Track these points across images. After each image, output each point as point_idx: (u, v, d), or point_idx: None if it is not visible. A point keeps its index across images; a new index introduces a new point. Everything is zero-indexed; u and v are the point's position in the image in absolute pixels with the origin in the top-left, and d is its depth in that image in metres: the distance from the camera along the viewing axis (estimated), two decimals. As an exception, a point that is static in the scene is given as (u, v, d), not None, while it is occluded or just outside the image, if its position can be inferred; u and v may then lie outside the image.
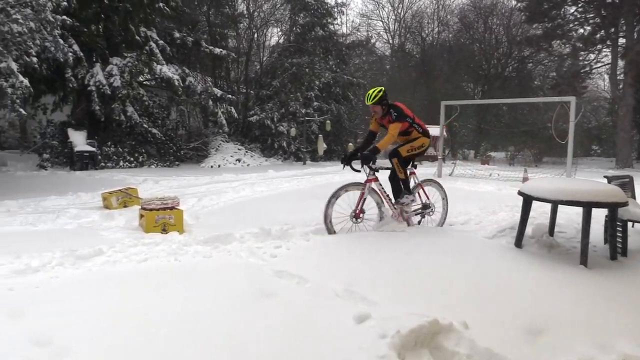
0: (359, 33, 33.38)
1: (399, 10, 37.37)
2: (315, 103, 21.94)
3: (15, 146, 17.23)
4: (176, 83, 16.01)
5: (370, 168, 5.45)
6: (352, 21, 35.01)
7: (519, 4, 27.95)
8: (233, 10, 24.02)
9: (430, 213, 6.03)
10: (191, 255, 4.73)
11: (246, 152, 18.71)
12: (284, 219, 6.09)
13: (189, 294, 3.46)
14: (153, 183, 9.96)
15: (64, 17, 10.36)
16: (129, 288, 3.54)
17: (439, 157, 14.95)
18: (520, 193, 4.94)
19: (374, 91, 5.57)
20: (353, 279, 3.89)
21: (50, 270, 4.16)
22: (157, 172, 13.29)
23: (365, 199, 5.43)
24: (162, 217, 5.63)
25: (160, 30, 17.96)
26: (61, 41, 10.71)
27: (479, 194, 9.60)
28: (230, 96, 18.77)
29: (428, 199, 5.99)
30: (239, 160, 17.73)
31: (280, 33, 26.78)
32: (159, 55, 16.53)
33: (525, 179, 11.73)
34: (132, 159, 15.27)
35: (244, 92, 22.94)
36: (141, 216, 5.86)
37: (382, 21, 38.40)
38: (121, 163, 14.93)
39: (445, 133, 16.69)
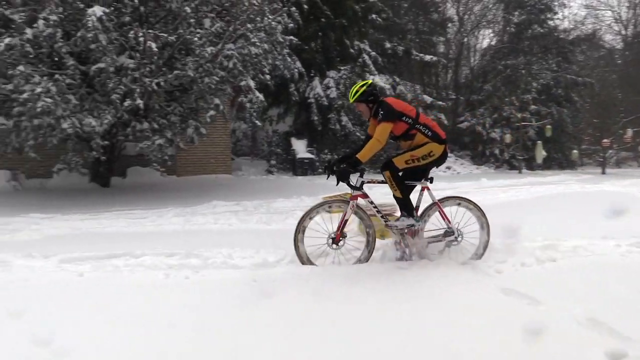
0: (583, 27, 29.89)
1: (635, -5, 32.33)
2: (533, 107, 20.26)
3: (247, 153, 19.64)
4: (387, 92, 16.44)
5: (351, 186, 4.35)
6: (575, 14, 31.45)
7: None
8: (442, 15, 23.74)
9: (454, 242, 4.58)
10: (409, 263, 4.70)
11: (456, 159, 18.27)
12: (505, 233, 5.66)
13: (411, 302, 3.41)
14: (369, 190, 10.28)
15: (291, 37, 11.42)
16: (345, 288, 3.64)
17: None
18: None
19: (355, 86, 4.44)
20: (598, 304, 3.37)
21: (284, 265, 4.56)
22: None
23: (347, 220, 4.40)
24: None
25: (372, 42, 18.67)
26: (289, 59, 11.84)
27: None
28: (440, 103, 18.57)
29: (450, 222, 4.54)
30: (448, 168, 17.38)
31: (492, 34, 25.54)
32: (371, 66, 17.20)
33: None
34: (348, 165, 16.13)
35: (453, 98, 22.42)
36: (360, 221, 6.05)
37: (611, 10, 33.66)
38: (339, 168, 15.87)
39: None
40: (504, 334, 2.97)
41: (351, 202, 4.37)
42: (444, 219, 4.52)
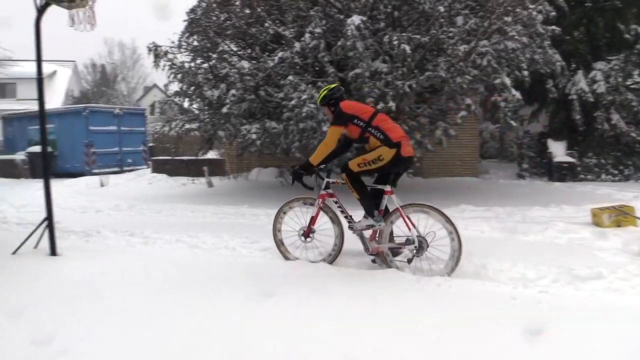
0: None
1: None
2: None
3: (494, 156, 18.61)
4: (673, 83, 13.53)
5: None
6: None
7: None
8: None
9: (419, 253, 4.28)
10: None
11: None
12: None
13: None
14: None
15: (552, 27, 10.25)
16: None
17: None
18: None
19: (321, 90, 4.77)
20: None
21: (546, 285, 4.02)
22: (647, 188, 11.49)
23: (314, 217, 4.75)
24: (675, 246, 4.61)
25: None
26: (550, 52, 10.69)
27: None
28: None
29: (412, 229, 4.29)
30: None
31: None
32: (655, 53, 14.34)
33: None
34: (615, 171, 13.83)
35: None
36: (645, 240, 5.00)
37: None
38: (602, 176, 13.75)
39: None
40: None
41: (318, 200, 4.69)
42: (407, 227, 4.31)
